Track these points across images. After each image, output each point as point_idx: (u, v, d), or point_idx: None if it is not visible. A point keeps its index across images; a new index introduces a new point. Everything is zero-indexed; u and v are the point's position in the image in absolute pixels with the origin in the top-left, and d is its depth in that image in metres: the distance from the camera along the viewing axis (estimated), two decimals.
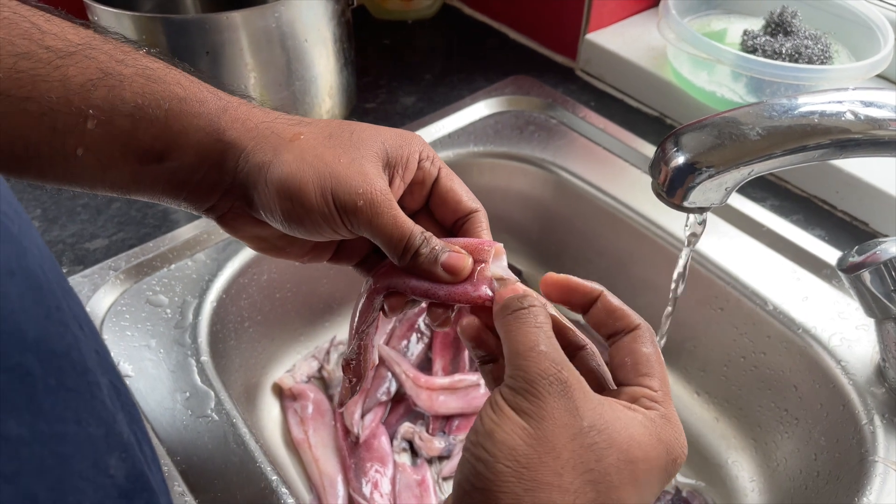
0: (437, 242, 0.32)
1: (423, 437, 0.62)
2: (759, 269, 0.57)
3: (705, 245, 0.59)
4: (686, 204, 0.30)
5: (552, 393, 0.26)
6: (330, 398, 0.66)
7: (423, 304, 0.34)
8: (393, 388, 0.65)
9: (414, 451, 0.63)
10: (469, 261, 0.32)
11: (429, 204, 0.35)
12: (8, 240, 0.17)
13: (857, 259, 0.47)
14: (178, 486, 0.43)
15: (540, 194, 0.71)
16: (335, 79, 0.67)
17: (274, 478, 0.44)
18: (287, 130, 0.33)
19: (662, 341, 0.46)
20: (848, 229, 0.60)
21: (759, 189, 0.64)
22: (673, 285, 0.38)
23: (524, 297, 0.29)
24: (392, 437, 0.63)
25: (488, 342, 0.32)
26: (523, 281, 0.76)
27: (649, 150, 0.69)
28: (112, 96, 0.30)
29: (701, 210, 0.31)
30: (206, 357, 0.52)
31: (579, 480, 0.25)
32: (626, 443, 0.26)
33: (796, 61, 0.63)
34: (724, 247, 0.59)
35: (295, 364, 0.67)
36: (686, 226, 0.34)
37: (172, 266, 0.57)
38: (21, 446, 0.15)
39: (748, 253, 0.59)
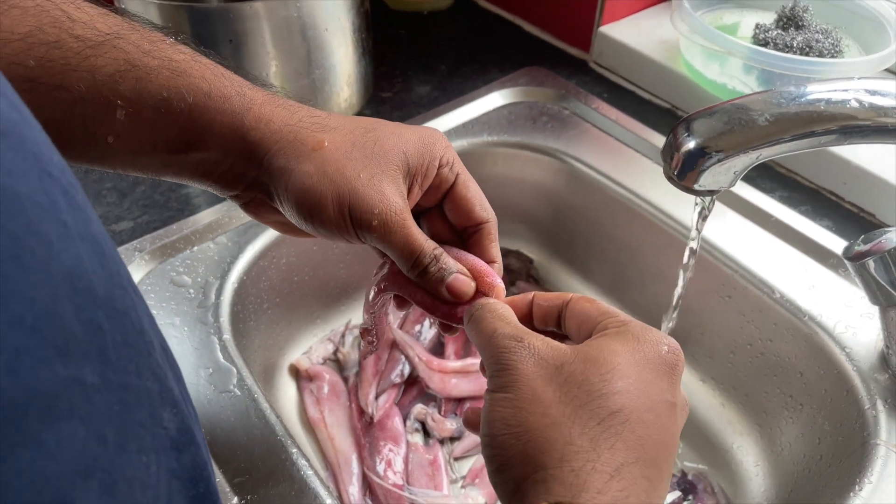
0: (446, 262, 0.34)
1: (436, 419, 0.64)
2: (767, 259, 0.58)
3: (714, 234, 0.61)
4: (696, 187, 0.31)
5: (520, 358, 0.28)
6: (345, 380, 0.67)
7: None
8: (406, 371, 0.67)
9: (426, 432, 0.64)
10: (472, 287, 0.34)
11: (442, 204, 0.37)
12: (77, 207, 0.18)
13: (862, 248, 0.48)
14: None
15: (552, 184, 0.72)
16: (353, 68, 0.69)
17: (294, 450, 0.46)
18: (310, 138, 0.33)
19: (671, 325, 0.48)
20: (855, 220, 0.61)
21: (768, 180, 0.65)
22: (681, 271, 0.40)
23: (476, 304, 0.32)
24: (405, 418, 0.64)
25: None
26: (535, 269, 0.78)
27: (661, 141, 0.70)
28: (139, 88, 0.31)
29: (711, 193, 0.32)
30: (227, 335, 0.53)
31: (569, 409, 0.26)
32: (603, 356, 0.28)
33: (807, 55, 0.64)
34: (733, 236, 0.60)
35: (311, 346, 0.69)
36: (695, 209, 0.36)
37: (195, 248, 0.59)
38: (93, 392, 0.17)
39: (756, 242, 0.60)
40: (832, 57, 0.64)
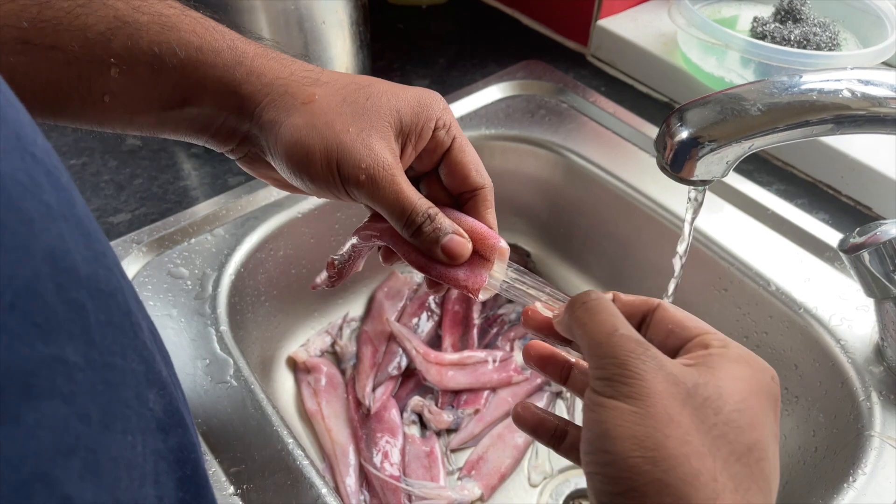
0: (441, 222, 0.33)
1: (433, 411, 0.64)
2: (763, 252, 0.59)
3: (711, 227, 0.61)
4: (689, 177, 0.32)
5: (649, 368, 0.25)
6: (342, 372, 0.68)
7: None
8: (404, 364, 0.67)
9: (423, 424, 0.65)
10: (469, 248, 0.33)
11: (439, 169, 0.36)
12: (61, 188, 0.18)
13: (857, 240, 0.48)
14: (201, 446, 0.45)
15: (550, 177, 0.72)
16: (351, 61, 0.69)
17: (290, 440, 0.46)
18: (301, 92, 0.33)
19: None
20: (852, 213, 0.61)
21: (766, 173, 0.65)
22: (677, 260, 0.40)
23: (589, 293, 0.29)
24: (402, 410, 0.64)
25: (555, 360, 0.32)
26: (532, 262, 0.78)
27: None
28: (131, 45, 0.31)
29: (703, 183, 0.32)
30: (224, 327, 0.53)
31: (709, 439, 0.24)
32: (730, 383, 0.25)
33: (804, 48, 0.64)
34: (730, 229, 0.61)
35: (309, 339, 0.69)
36: (688, 199, 0.36)
37: (192, 240, 0.59)
38: (76, 371, 0.17)
39: (753, 235, 0.60)
40: (829, 50, 0.64)
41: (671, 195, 0.64)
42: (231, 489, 0.43)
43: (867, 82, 0.30)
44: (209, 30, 0.33)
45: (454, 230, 0.33)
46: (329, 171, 0.32)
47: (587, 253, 0.75)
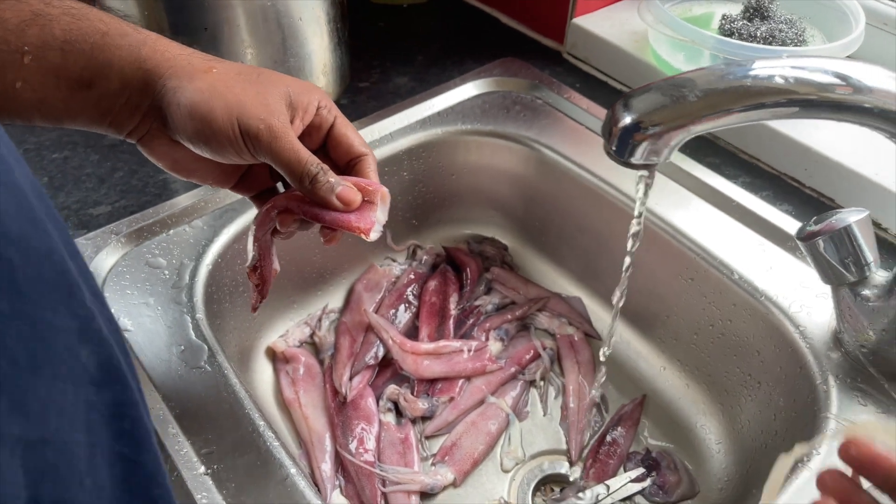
0: (333, 175, 0.38)
1: (408, 399, 0.65)
2: (728, 242, 0.60)
3: (679, 219, 0.62)
4: (633, 161, 0.33)
5: None
6: (321, 362, 0.69)
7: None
8: (381, 353, 0.68)
9: (399, 412, 0.66)
10: (359, 195, 0.39)
11: (326, 147, 0.41)
12: None
13: (814, 228, 0.50)
14: (171, 429, 0.47)
15: (524, 171, 0.74)
16: (329, 57, 0.70)
17: (261, 423, 0.48)
18: (202, 64, 0.37)
19: (623, 289, 0.49)
20: (815, 205, 0.63)
21: (733, 167, 0.67)
22: (630, 244, 0.42)
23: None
24: (378, 399, 0.66)
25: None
26: (509, 256, 0.79)
27: None
28: (44, 34, 0.34)
29: (646, 167, 0.34)
30: (200, 315, 0.55)
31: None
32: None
33: (770, 44, 0.65)
34: (697, 221, 0.62)
35: (288, 330, 0.70)
36: (637, 181, 0.37)
37: (171, 231, 0.60)
38: (3, 319, 0.18)
39: (719, 227, 0.62)
40: (795, 46, 0.66)
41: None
42: (202, 469, 0.44)
43: (801, 68, 0.32)
44: (114, 19, 0.37)
45: (344, 182, 0.38)
46: (230, 124, 0.35)
47: (562, 246, 0.76)
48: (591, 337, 0.72)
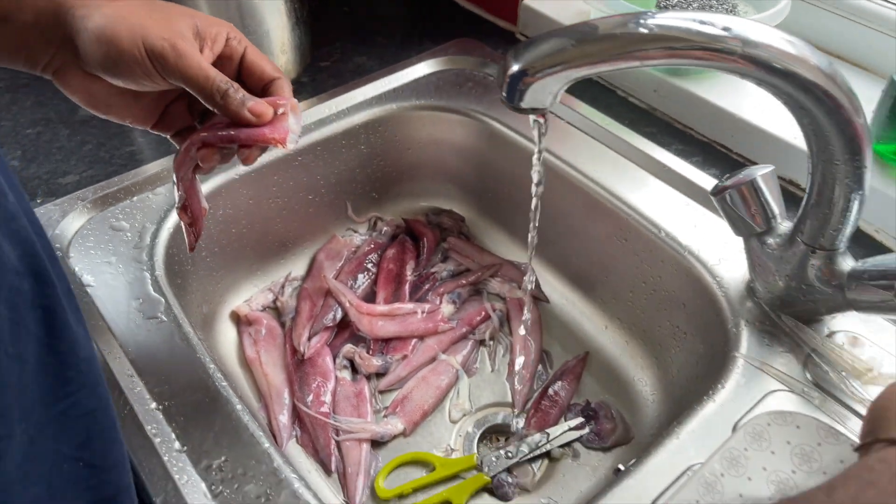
0: (244, 91, 0.40)
1: (363, 356, 0.69)
2: (658, 204, 0.64)
3: (614, 184, 0.66)
4: (523, 106, 0.37)
5: None
6: (282, 325, 0.73)
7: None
8: (339, 316, 0.72)
9: (355, 369, 0.70)
10: (270, 109, 0.41)
11: (241, 77, 0.43)
12: None
13: (725, 183, 0.54)
14: (127, 371, 0.50)
15: (476, 145, 0.78)
16: (288, 35, 0.74)
17: (212, 366, 0.52)
18: None
19: (533, 235, 0.52)
20: (741, 168, 0.67)
21: (667, 135, 0.71)
22: (534, 188, 0.45)
23: None
24: (335, 357, 0.70)
25: None
26: (466, 227, 0.83)
27: (576, 104, 0.76)
28: None
29: (534, 111, 0.38)
30: (160, 272, 0.59)
31: None
32: None
33: None
34: (631, 185, 0.66)
35: (252, 296, 0.74)
36: (532, 127, 0.41)
37: (135, 198, 0.64)
38: None
39: (651, 190, 0.66)
40: None
41: (586, 160, 0.69)
42: (153, 405, 0.48)
43: (668, 18, 0.36)
44: None
45: (256, 98, 0.41)
46: (135, 45, 0.38)
47: (516, 216, 0.80)
48: (540, 300, 0.76)
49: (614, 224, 0.66)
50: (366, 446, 0.63)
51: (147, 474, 0.44)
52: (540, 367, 0.71)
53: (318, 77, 0.80)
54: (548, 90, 0.36)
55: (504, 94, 0.37)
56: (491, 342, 0.73)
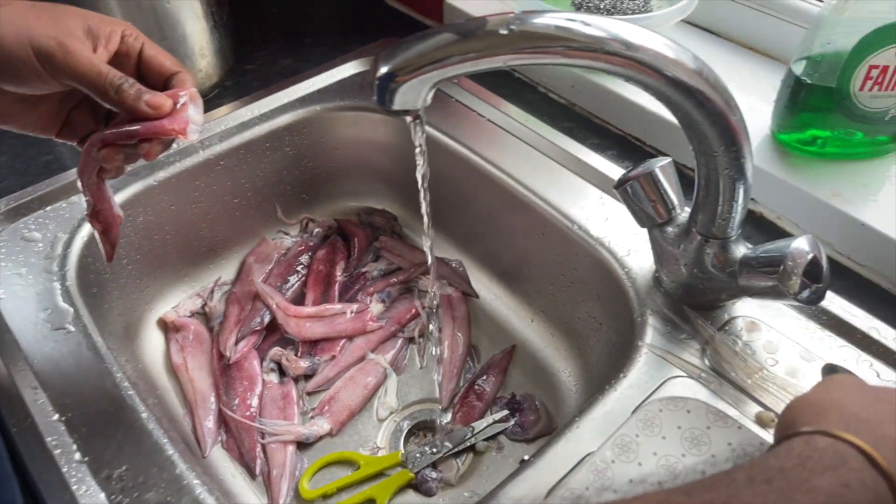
0: (139, 85, 0.39)
1: (290, 359, 0.69)
2: (573, 197, 0.65)
3: (532, 180, 0.67)
4: (394, 108, 0.37)
5: None
6: (210, 330, 0.72)
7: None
8: (266, 319, 0.72)
9: (282, 372, 0.70)
10: (168, 101, 0.40)
11: (140, 74, 0.42)
12: None
13: (626, 176, 0.55)
14: (32, 383, 0.50)
15: (401, 143, 0.78)
16: (207, 39, 0.74)
17: (119, 375, 0.51)
18: None
19: (426, 209, 0.53)
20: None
21: (585, 130, 0.72)
22: (421, 188, 0.46)
23: None
24: (262, 360, 0.70)
25: None
26: (399, 225, 0.83)
27: (497, 101, 0.77)
28: None
29: (406, 113, 0.38)
30: (71, 282, 0.58)
31: None
32: None
33: (612, 15, 0.70)
34: (549, 181, 0.67)
35: (180, 301, 0.74)
36: (410, 125, 0.42)
37: (48, 208, 0.63)
38: None
39: (566, 185, 0.67)
40: (637, 14, 0.71)
41: (508, 157, 0.70)
42: (56, 416, 0.48)
43: (529, 16, 0.36)
44: None
45: (152, 92, 0.40)
46: (21, 46, 0.37)
47: (446, 214, 0.81)
48: (469, 295, 0.76)
49: (533, 219, 0.67)
50: (291, 448, 0.63)
51: (45, 486, 0.44)
52: (469, 361, 0.71)
53: (242, 80, 0.80)
54: (417, 91, 0.37)
55: (375, 96, 0.37)
56: (420, 339, 0.73)
